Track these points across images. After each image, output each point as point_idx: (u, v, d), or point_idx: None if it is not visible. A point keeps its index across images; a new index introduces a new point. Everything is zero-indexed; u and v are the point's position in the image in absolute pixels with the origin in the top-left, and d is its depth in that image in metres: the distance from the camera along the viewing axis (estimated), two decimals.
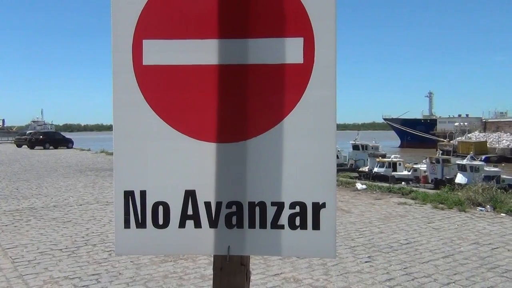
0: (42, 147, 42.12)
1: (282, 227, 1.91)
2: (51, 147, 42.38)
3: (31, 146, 42.90)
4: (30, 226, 8.56)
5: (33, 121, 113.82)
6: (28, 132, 55.09)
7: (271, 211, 1.91)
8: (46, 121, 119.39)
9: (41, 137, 44.79)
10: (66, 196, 12.42)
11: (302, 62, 1.89)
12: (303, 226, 1.90)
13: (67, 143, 44.24)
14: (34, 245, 7.17)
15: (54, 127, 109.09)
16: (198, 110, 1.92)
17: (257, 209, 1.91)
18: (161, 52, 1.92)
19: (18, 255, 6.62)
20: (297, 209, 1.90)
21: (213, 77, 1.91)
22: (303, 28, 1.88)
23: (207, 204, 1.93)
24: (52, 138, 45.07)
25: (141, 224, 1.93)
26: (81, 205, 10.93)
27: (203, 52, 1.91)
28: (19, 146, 46.20)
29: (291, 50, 1.89)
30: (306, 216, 1.90)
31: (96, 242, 7.36)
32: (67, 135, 56.30)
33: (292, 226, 1.90)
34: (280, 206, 1.91)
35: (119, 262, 6.19)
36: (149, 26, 1.92)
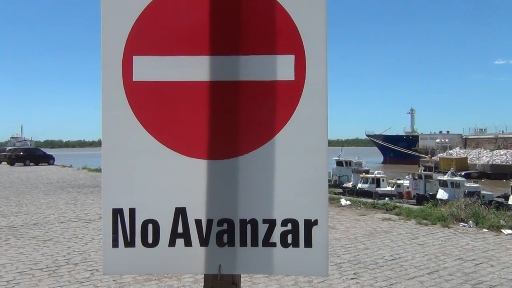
0: (22, 164, 41.26)
1: (274, 245, 1.89)
2: (31, 163, 41.55)
3: (11, 163, 41.98)
4: (9, 245, 8.32)
5: (13, 137, 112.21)
6: (7, 148, 53.96)
7: (262, 229, 1.89)
8: (26, 137, 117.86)
9: (21, 153, 43.94)
10: (47, 213, 12.13)
11: (293, 79, 1.89)
12: (295, 243, 1.88)
13: (48, 160, 43.49)
14: (13, 265, 6.96)
15: (34, 143, 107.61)
16: (189, 127, 1.90)
17: (249, 226, 1.89)
18: (152, 69, 1.90)
19: None
20: (289, 226, 1.88)
21: (204, 94, 1.90)
22: (294, 45, 1.89)
23: (198, 222, 1.89)
24: (33, 155, 44.21)
25: (129, 243, 1.89)
26: (62, 222, 10.69)
27: (194, 68, 1.90)
28: None
29: (283, 67, 1.89)
30: (298, 233, 1.88)
31: (78, 261, 7.19)
32: (48, 151, 55.41)
33: (284, 243, 1.88)
34: (272, 223, 1.89)
35: (101, 281, 6.04)
36: (139, 42, 1.90)
